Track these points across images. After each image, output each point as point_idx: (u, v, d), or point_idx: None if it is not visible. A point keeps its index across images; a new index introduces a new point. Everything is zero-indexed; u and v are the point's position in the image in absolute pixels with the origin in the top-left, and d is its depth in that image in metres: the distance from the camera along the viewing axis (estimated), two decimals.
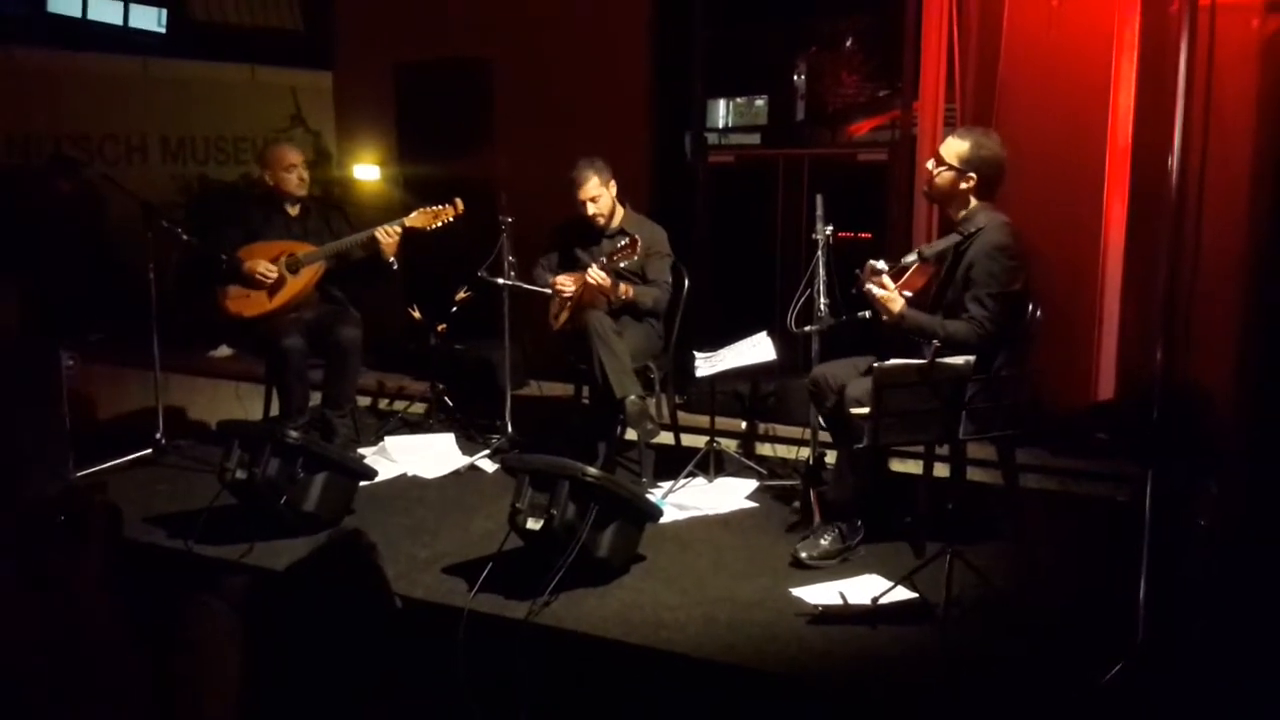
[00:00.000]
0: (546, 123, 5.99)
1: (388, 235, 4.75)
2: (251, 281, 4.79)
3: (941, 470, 3.85)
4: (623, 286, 4.52)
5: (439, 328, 5.34)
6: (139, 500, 4.25)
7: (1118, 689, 2.72)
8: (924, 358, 3.18)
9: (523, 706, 3.03)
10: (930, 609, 3.19)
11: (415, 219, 4.80)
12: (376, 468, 4.29)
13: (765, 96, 6.24)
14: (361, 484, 4.17)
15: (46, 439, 4.39)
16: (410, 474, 4.66)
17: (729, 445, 4.83)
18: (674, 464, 4.48)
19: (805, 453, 4.39)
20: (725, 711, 2.96)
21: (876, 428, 3.15)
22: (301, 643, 1.82)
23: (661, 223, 4.82)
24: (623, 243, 4.43)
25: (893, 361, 3.19)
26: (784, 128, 6.05)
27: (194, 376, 6.11)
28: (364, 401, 5.67)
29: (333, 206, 5.44)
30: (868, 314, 3.74)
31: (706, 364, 4.37)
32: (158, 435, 4.86)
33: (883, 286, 3.57)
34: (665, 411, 4.82)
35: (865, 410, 3.23)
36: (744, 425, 5.00)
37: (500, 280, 4.73)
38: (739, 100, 6.35)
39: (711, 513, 4.16)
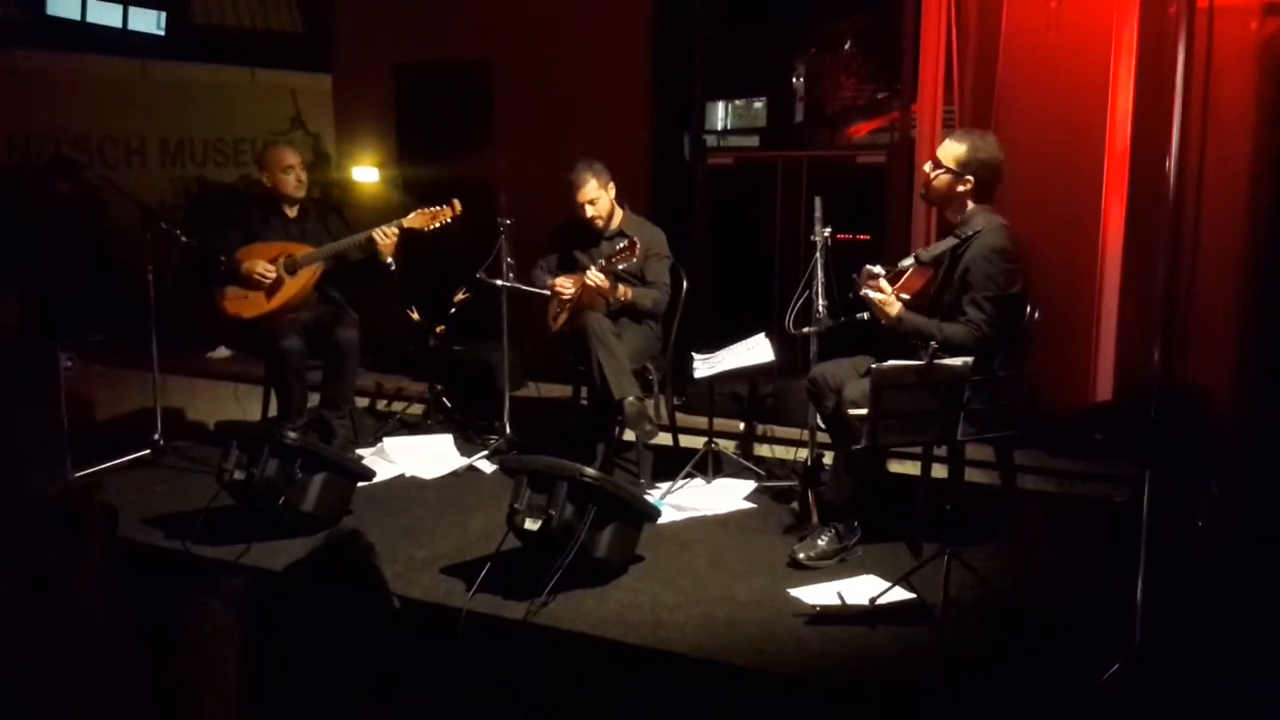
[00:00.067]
0: (546, 124, 5.99)
1: (385, 236, 4.76)
2: (250, 283, 4.80)
3: (939, 471, 3.86)
4: (621, 288, 4.52)
5: (437, 329, 5.33)
6: (137, 501, 4.25)
7: (1116, 689, 2.72)
8: (921, 359, 3.18)
9: (522, 706, 3.03)
10: (928, 609, 3.20)
11: (413, 220, 4.81)
12: (375, 468, 4.30)
13: (764, 98, 6.25)
14: (360, 485, 4.17)
15: (45, 439, 4.40)
16: (408, 475, 4.66)
17: (727, 446, 4.83)
18: (672, 465, 4.48)
19: (803, 453, 4.39)
20: (724, 711, 2.96)
21: (875, 429, 3.16)
22: (300, 643, 1.82)
23: (660, 224, 4.83)
24: (621, 244, 4.43)
25: (891, 363, 3.19)
26: (783, 130, 6.06)
27: (193, 377, 6.11)
28: (362, 402, 5.67)
29: (330, 208, 5.45)
30: (866, 315, 3.74)
31: (705, 365, 4.37)
32: (156, 436, 4.87)
33: (879, 290, 3.58)
34: (663, 412, 4.83)
35: (863, 411, 3.23)
36: (742, 426, 5.00)
37: (499, 282, 4.73)
38: (738, 102, 6.36)
39: (710, 513, 4.17)
